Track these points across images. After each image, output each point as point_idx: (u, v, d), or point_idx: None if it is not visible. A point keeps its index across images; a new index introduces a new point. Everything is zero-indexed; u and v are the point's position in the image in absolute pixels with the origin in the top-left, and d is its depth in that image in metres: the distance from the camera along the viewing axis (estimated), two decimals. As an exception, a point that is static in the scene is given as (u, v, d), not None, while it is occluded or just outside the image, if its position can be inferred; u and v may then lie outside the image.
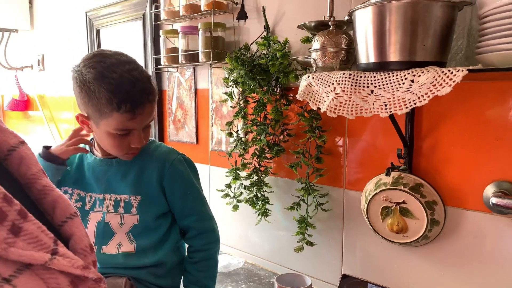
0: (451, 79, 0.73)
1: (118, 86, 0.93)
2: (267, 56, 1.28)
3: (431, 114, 1.04)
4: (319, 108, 0.92)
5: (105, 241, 1.07)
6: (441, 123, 1.03)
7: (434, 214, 1.01)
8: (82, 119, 1.02)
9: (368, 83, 0.84)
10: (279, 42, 1.26)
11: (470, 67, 0.72)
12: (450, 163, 1.02)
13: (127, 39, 1.97)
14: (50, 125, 2.69)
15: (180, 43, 1.55)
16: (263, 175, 1.39)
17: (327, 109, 0.88)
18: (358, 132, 1.19)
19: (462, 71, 0.72)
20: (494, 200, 0.90)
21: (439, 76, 0.74)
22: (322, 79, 0.91)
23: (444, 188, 1.03)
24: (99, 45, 2.15)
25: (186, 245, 1.17)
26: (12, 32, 2.87)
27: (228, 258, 1.52)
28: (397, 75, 0.80)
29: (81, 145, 1.13)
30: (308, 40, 1.17)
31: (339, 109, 0.87)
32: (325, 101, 0.90)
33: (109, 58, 0.97)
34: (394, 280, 1.15)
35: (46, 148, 1.08)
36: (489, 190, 0.94)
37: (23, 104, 2.84)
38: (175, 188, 1.10)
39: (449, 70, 0.73)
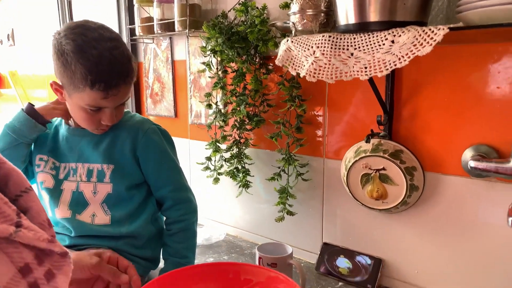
0: (431, 38, 0.71)
1: (95, 64, 0.91)
2: (245, 23, 1.24)
3: (411, 80, 1.03)
4: (298, 74, 0.90)
5: (79, 209, 1.05)
6: (421, 89, 1.02)
7: (414, 180, 1.01)
8: (56, 87, 1.01)
9: (348, 46, 0.82)
10: (257, 8, 1.23)
11: (451, 25, 0.70)
12: (430, 128, 1.02)
13: (100, 10, 1.89)
14: (24, 104, 2.59)
15: (155, 12, 1.49)
16: (244, 147, 1.38)
17: (306, 73, 0.86)
18: (338, 101, 1.18)
19: (443, 29, 0.70)
20: (472, 163, 0.90)
21: (420, 35, 0.73)
22: (301, 43, 0.88)
23: (423, 153, 1.03)
24: (71, 17, 2.06)
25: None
26: (-21, 5, 2.73)
27: (210, 230, 1.51)
28: (377, 36, 0.78)
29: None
30: (287, 6, 1.13)
31: (319, 73, 0.85)
32: (304, 66, 0.88)
33: (91, 32, 0.93)
34: (374, 247, 1.16)
35: (31, 105, 1.06)
36: (468, 154, 0.95)
37: (-6, 82, 2.73)
38: (149, 158, 1.08)
39: (429, 29, 0.72)
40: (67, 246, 1.04)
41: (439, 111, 0.99)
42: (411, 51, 0.74)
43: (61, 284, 0.42)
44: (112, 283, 0.82)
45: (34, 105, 1.06)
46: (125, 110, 1.12)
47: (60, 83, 0.99)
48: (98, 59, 0.91)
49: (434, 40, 0.71)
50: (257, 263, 1.11)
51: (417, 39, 0.73)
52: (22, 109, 1.05)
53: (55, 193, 1.07)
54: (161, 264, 1.13)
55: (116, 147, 1.06)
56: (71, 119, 1.09)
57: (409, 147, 1.03)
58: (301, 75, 0.88)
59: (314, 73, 0.85)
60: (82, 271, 0.79)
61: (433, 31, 0.71)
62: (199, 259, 1.33)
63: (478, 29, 0.69)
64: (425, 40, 0.72)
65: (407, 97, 1.04)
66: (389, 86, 1.05)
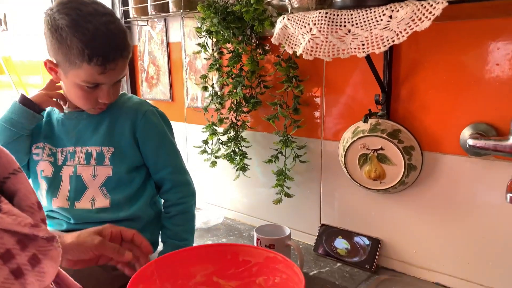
0: (430, 12, 0.70)
1: (92, 38, 0.89)
2: (241, 2, 1.22)
3: (409, 58, 1.01)
4: (295, 53, 0.88)
5: (78, 196, 1.04)
6: (419, 68, 1.00)
7: (412, 160, 1.00)
8: (50, 65, 0.98)
9: (345, 22, 0.80)
10: (253, -13, 1.20)
11: (450, -1, 0.69)
12: (428, 107, 1.00)
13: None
14: (19, 90, 2.56)
15: (149, -8, 1.46)
16: (241, 130, 1.36)
17: (303, 51, 0.85)
18: (336, 81, 1.16)
19: (442, 3, 0.69)
20: (470, 141, 0.90)
21: (418, 10, 0.71)
22: (298, 20, 0.86)
23: (421, 133, 1.02)
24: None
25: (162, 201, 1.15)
26: (-31, -10, 2.67)
27: (208, 214, 1.51)
28: (374, 12, 0.76)
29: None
30: (283, -16, 1.11)
31: (316, 51, 0.84)
32: (301, 43, 0.86)
33: (85, 6, 0.92)
34: (372, 228, 1.16)
35: (24, 95, 1.04)
36: (466, 132, 0.94)
37: (-13, 68, 2.70)
38: (148, 140, 1.07)
39: (428, 3, 0.70)
40: (64, 231, 1.03)
41: (438, 90, 0.98)
42: (409, 26, 0.72)
43: (48, 269, 0.41)
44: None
45: (26, 95, 1.04)
46: (121, 92, 1.11)
47: (55, 61, 0.96)
48: (94, 33, 0.89)
49: (433, 15, 0.69)
50: (255, 244, 1.11)
51: (415, 13, 0.71)
52: (16, 101, 1.02)
53: (54, 181, 1.05)
54: (160, 247, 1.12)
55: (116, 129, 1.05)
56: (67, 103, 1.07)
57: (407, 126, 1.02)
58: (298, 53, 0.86)
59: (311, 51, 0.84)
60: (85, 253, 0.78)
61: (431, 5, 0.69)
62: (197, 242, 1.32)
63: (479, 2, 0.67)
64: (423, 14, 0.70)
65: (405, 76, 1.03)
66: (387, 64, 1.03)
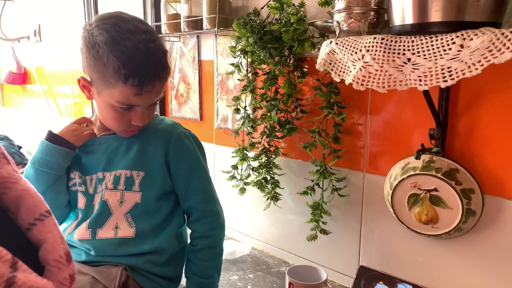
0: (513, 42, 0.58)
1: (130, 57, 0.82)
2: (279, 21, 1.13)
3: (470, 87, 0.90)
4: (343, 80, 0.79)
5: (100, 222, 0.95)
6: (481, 98, 0.88)
7: (471, 204, 0.88)
8: (84, 83, 0.92)
9: (404, 50, 0.69)
10: (293, 5, 1.11)
11: (540, 28, 0.58)
12: (490, 145, 0.88)
13: (125, 5, 1.81)
14: (48, 100, 2.56)
15: (182, 8, 1.40)
16: (273, 156, 1.27)
17: (353, 80, 0.75)
18: (382, 109, 1.05)
19: (529, 32, 0.57)
20: (547, 190, 0.77)
21: (498, 39, 0.60)
22: (348, 45, 0.76)
23: (482, 174, 0.89)
24: (96, 12, 2.00)
25: (189, 232, 1.06)
26: (7, 0, 2.72)
27: (234, 244, 1.42)
28: (441, 39, 0.65)
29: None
30: (327, 3, 1.01)
31: (368, 81, 0.73)
32: (351, 71, 0.76)
33: (126, 23, 0.85)
34: (418, 275, 1.03)
35: (52, 132, 0.96)
36: (540, 177, 0.81)
37: (21, 77, 2.72)
38: (180, 163, 0.99)
39: (510, 32, 0.59)
40: (83, 262, 0.96)
41: (503, 125, 0.86)
42: (486, 58, 0.61)
43: None
44: None
45: (53, 132, 0.96)
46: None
47: (89, 79, 0.90)
48: (132, 51, 0.82)
49: (518, 45, 0.58)
50: (286, 287, 1.00)
51: (494, 43, 0.60)
52: (45, 140, 0.95)
53: (88, 212, 0.98)
54: (183, 281, 1.04)
55: (148, 153, 0.98)
56: (97, 126, 1.01)
57: (465, 165, 0.90)
58: (347, 82, 0.77)
59: (363, 80, 0.74)
60: None
61: (516, 34, 0.58)
62: (222, 276, 1.23)
63: None
64: (504, 45, 0.59)
65: (464, 107, 0.91)
66: (444, 95, 0.92)
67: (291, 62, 1.18)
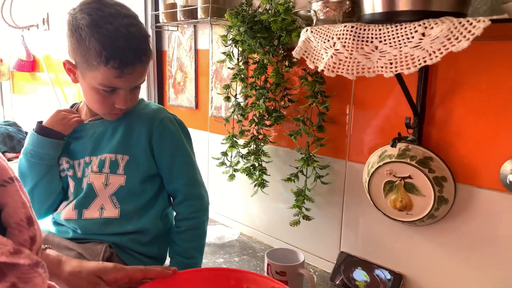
0: (469, 31, 0.61)
1: (111, 40, 0.86)
2: (269, 11, 1.16)
3: (447, 79, 0.92)
4: (316, 67, 0.81)
5: (86, 203, 1.00)
6: (457, 90, 0.90)
7: (443, 191, 0.90)
8: (69, 66, 0.96)
9: (372, 38, 0.72)
10: (282, -5, 1.14)
11: (494, 17, 0.60)
12: (465, 135, 0.90)
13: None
14: (56, 88, 2.63)
15: (179, -2, 1.43)
16: (262, 144, 1.30)
17: (325, 67, 0.77)
18: (365, 99, 1.08)
19: (484, 21, 0.59)
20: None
21: (455, 28, 0.62)
22: (322, 33, 0.79)
23: (456, 163, 0.91)
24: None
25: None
26: (18, -11, 2.78)
27: (223, 229, 1.46)
28: (405, 28, 0.68)
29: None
30: (313, -7, 1.04)
31: (338, 68, 0.76)
32: (323, 58, 0.79)
33: (108, 7, 0.89)
34: (396, 261, 1.06)
35: (41, 123, 1.00)
36: (508, 166, 0.83)
37: (30, 65, 2.79)
38: (164, 147, 1.03)
39: (467, 21, 0.61)
40: (70, 239, 1.00)
41: (477, 116, 0.88)
42: (444, 46, 0.63)
43: None
44: None
45: (42, 122, 1.00)
46: (139, 98, 1.08)
47: (74, 62, 0.94)
48: (113, 35, 0.86)
49: (472, 34, 0.60)
50: (265, 269, 1.04)
51: (452, 32, 0.62)
52: (35, 132, 0.99)
53: (77, 194, 1.02)
54: (168, 261, 1.08)
55: (132, 137, 1.01)
56: (85, 111, 1.05)
57: (440, 154, 0.92)
58: (319, 69, 0.79)
59: (334, 67, 0.76)
60: None
61: (471, 23, 0.60)
62: (209, 259, 1.27)
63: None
64: (461, 33, 0.62)
65: (441, 98, 0.93)
66: (421, 86, 0.94)
67: (280, 52, 1.20)
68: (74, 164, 1.03)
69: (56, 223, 1.04)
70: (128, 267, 0.79)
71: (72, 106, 1.10)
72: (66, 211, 1.01)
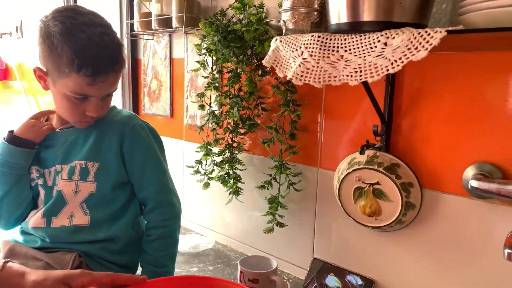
0: (427, 41, 0.63)
1: (83, 47, 0.86)
2: (242, 21, 1.18)
3: (413, 88, 0.95)
4: (285, 76, 0.83)
5: (55, 211, 0.98)
6: (423, 99, 0.93)
7: (410, 197, 0.92)
8: (39, 73, 0.95)
9: (338, 47, 0.74)
10: (254, 6, 1.16)
11: (449, 28, 0.62)
12: (430, 142, 0.93)
13: (103, 3, 1.85)
14: (29, 97, 2.58)
15: (153, 7, 1.44)
16: (236, 152, 1.31)
17: (293, 75, 0.79)
18: (335, 108, 1.10)
19: (441, 32, 0.62)
20: (473, 183, 0.82)
21: (415, 38, 0.65)
22: (290, 43, 0.81)
23: (422, 169, 0.94)
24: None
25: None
26: (-9, -3, 2.74)
27: (198, 238, 1.45)
28: (369, 38, 0.70)
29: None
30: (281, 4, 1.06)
31: (306, 76, 0.78)
32: (291, 67, 0.81)
33: (81, 16, 0.89)
34: (366, 266, 1.07)
35: (12, 132, 0.98)
36: (469, 172, 0.86)
37: (2, 73, 2.73)
38: (135, 154, 1.02)
39: (425, 31, 0.64)
40: (38, 248, 0.98)
41: (442, 124, 0.91)
42: (405, 55, 0.66)
43: None
44: None
45: (13, 131, 0.98)
46: (112, 105, 1.07)
47: (44, 69, 0.93)
48: (86, 43, 0.86)
49: (430, 44, 0.63)
50: (238, 277, 1.04)
51: (411, 42, 0.65)
52: (5, 142, 0.97)
53: (47, 203, 1.00)
54: (140, 270, 1.07)
55: (103, 144, 1.01)
56: (56, 119, 1.04)
57: (406, 161, 0.95)
58: (288, 78, 0.81)
59: (301, 75, 0.78)
60: None
61: (429, 34, 0.63)
62: (182, 268, 1.27)
63: (479, 32, 0.60)
64: (420, 43, 0.64)
65: (407, 106, 0.96)
66: (388, 94, 0.97)
67: (254, 61, 1.22)
68: (45, 173, 1.01)
69: (23, 232, 1.02)
70: (95, 272, 0.78)
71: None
72: (34, 219, 0.99)
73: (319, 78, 0.77)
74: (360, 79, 0.72)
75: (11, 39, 2.65)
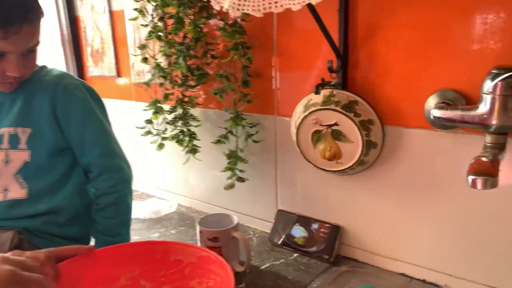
0: None
1: None
2: (178, -42, 1.05)
3: (368, 19, 0.86)
4: (221, 7, 0.73)
5: None
6: (379, 28, 0.85)
7: (370, 135, 0.86)
8: None
9: (276, -33, 0.64)
10: None
11: None
12: (390, 75, 0.86)
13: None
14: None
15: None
16: (189, 107, 1.21)
17: (229, 5, 0.69)
18: (288, 48, 1.01)
19: None
20: (435, 112, 0.76)
21: None
22: (224, -31, 0.70)
23: (382, 104, 0.88)
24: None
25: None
26: None
27: (159, 202, 1.38)
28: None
29: None
30: None
31: (244, 5, 0.68)
32: (227, -3, 0.70)
33: None
34: (332, 213, 1.03)
35: None
36: (431, 102, 0.80)
37: None
38: (71, 117, 0.92)
39: None
40: (-28, 229, 0.89)
41: (400, 54, 0.84)
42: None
43: None
44: None
45: None
46: (42, 65, 0.96)
47: None
48: None
49: None
50: (198, 237, 0.97)
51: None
52: None
53: None
54: (93, 242, 0.99)
55: (33, 107, 0.90)
56: None
57: (365, 97, 0.88)
58: (224, 9, 0.71)
59: (239, 4, 0.68)
60: None
61: None
62: (143, 234, 1.19)
63: None
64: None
65: (364, 38, 0.88)
66: (342, 27, 0.88)
67: (196, 3, 1.10)
68: None
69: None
70: (27, 252, 0.68)
71: None
72: None
73: (259, 6, 0.67)
74: (303, 2, 0.62)
75: None
